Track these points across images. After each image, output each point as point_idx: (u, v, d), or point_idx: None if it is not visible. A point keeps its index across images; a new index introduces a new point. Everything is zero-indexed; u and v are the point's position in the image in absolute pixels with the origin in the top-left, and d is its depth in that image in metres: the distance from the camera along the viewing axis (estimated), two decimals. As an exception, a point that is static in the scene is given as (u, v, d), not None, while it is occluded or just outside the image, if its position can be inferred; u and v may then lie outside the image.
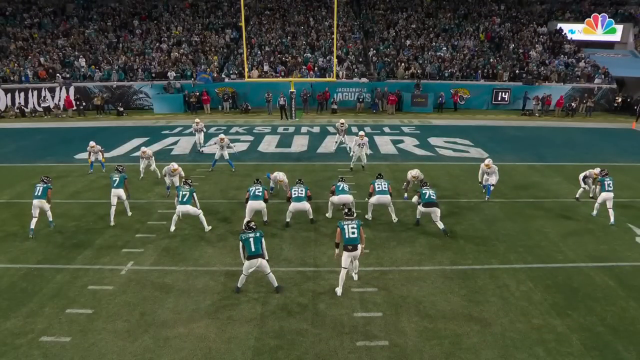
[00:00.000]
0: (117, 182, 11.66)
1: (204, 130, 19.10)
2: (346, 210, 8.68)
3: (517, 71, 31.08)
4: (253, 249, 8.11)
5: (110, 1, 38.01)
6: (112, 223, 11.52)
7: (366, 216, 11.70)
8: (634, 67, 32.50)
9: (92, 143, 15.85)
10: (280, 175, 12.86)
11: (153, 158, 15.29)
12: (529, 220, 11.98)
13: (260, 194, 10.96)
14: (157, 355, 6.82)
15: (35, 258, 9.93)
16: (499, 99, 30.16)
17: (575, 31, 36.24)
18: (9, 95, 28.59)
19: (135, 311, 7.91)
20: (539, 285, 8.75)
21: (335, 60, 25.96)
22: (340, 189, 11.50)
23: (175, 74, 29.55)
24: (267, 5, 38.36)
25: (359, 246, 8.26)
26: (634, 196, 13.77)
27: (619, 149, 19.89)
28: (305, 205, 11.24)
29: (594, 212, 12.15)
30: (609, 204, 11.65)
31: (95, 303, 8.15)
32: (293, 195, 11.19)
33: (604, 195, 11.68)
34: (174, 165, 13.05)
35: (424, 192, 10.91)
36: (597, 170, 12.74)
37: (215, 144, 16.27)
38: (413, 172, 13.14)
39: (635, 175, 15.97)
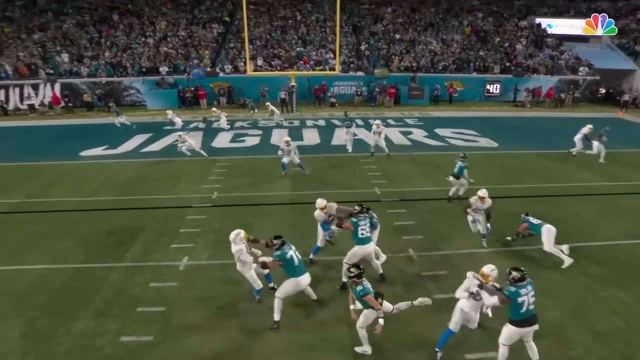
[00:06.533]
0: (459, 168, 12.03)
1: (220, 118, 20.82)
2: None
3: (507, 64, 31.75)
4: (367, 235, 7.91)
5: (85, -6, 36.50)
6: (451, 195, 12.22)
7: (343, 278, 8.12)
8: (611, 59, 33.79)
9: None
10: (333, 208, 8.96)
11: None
12: (557, 203, 12.18)
13: (369, 233, 8.11)
14: (250, 349, 6.58)
15: (78, 258, 9.43)
16: (491, 91, 30.74)
17: (553, 25, 37.38)
18: (-12, 92, 26.99)
19: (211, 306, 7.61)
20: (591, 261, 9.05)
21: (338, 52, 25.65)
22: (361, 236, 7.93)
23: (167, 69, 28.71)
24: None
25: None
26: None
27: (620, 136, 20.29)
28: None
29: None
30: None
31: (163, 300, 7.80)
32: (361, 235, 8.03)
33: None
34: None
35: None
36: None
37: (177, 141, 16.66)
38: (481, 193, 9.54)
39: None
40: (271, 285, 7.92)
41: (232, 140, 19.26)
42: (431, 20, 36.79)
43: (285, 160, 14.16)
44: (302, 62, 29.53)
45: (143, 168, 15.47)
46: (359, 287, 6.19)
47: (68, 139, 20.13)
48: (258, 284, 7.69)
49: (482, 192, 9.42)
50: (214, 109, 22.05)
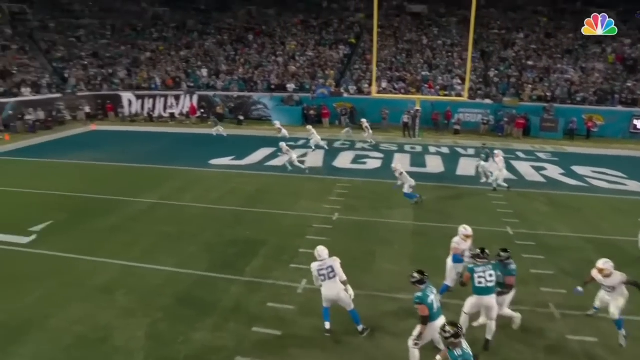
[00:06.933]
0: None
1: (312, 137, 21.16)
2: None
3: (662, 98, 27.88)
4: (486, 284, 6.80)
5: (226, 17, 39.75)
6: None
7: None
8: None
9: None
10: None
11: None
12: None
13: (492, 283, 6.92)
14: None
15: (201, 265, 9.73)
16: (639, 127, 27.10)
17: None
18: (139, 101, 30.80)
19: (329, 338, 7.25)
20: None
21: (468, 78, 24.39)
22: (478, 284, 6.88)
23: (294, 87, 29.94)
24: (378, 23, 38.00)
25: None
26: None
27: None
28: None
29: None
30: None
31: (280, 323, 7.62)
32: (478, 284, 6.95)
33: None
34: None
35: None
36: None
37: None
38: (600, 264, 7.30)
39: None
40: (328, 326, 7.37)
41: (354, 162, 19.13)
42: (569, 46, 33.79)
43: (405, 189, 13.49)
44: (427, 86, 28.79)
45: (266, 181, 15.94)
46: (458, 351, 5.08)
47: (200, 147, 21.70)
48: (351, 305, 7.37)
49: (602, 263, 7.16)
50: (308, 127, 22.20)
